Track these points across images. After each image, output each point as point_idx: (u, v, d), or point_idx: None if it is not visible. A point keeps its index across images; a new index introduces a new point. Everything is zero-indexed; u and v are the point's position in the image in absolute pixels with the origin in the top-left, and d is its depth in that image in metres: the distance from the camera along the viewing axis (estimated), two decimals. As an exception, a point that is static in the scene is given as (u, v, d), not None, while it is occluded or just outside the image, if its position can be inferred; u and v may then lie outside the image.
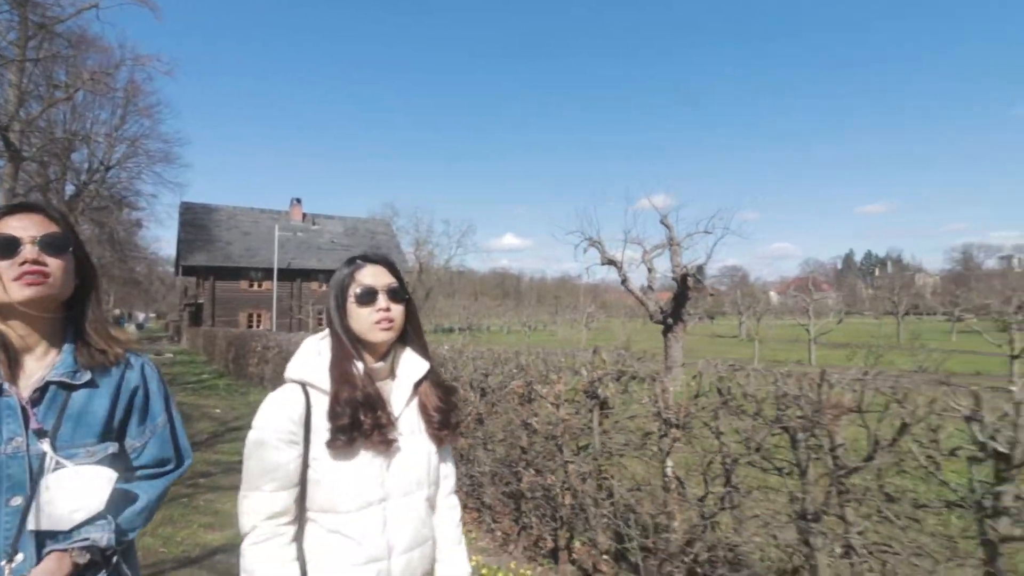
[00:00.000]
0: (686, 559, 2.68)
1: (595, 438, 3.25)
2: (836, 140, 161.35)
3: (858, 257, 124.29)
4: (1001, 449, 1.82)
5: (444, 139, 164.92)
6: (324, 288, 37.42)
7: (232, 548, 3.82)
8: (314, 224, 40.44)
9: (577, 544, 3.56)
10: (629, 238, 14.45)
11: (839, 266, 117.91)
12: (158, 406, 1.33)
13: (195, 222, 36.75)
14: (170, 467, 1.35)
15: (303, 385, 1.24)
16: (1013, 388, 1.86)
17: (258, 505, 1.17)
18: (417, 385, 1.36)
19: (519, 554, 3.72)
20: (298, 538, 1.21)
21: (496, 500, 4.04)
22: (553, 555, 3.56)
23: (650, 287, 14.04)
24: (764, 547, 2.51)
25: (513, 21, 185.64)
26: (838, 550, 2.21)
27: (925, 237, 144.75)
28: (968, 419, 1.88)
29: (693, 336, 40.91)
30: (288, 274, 35.94)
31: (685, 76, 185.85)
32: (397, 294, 1.31)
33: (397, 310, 1.31)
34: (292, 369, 1.27)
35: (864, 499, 2.21)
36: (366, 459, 1.22)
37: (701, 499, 2.75)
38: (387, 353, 1.33)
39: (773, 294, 68.35)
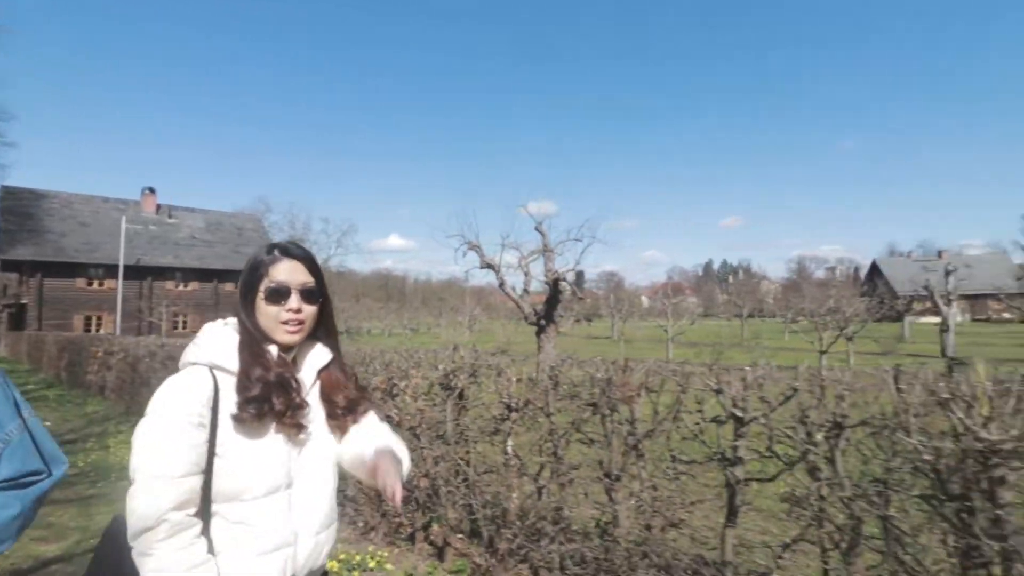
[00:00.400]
0: (523, 524, 3.09)
1: (448, 425, 3.57)
2: (702, 157, 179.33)
3: (716, 265, 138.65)
4: (738, 414, 2.41)
5: (325, 135, 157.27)
6: (181, 288, 34.18)
7: (69, 558, 3.61)
8: (170, 217, 36.67)
9: (435, 527, 3.85)
10: (507, 243, 15.13)
11: (700, 273, 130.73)
12: (5, 412, 1.19)
13: (19, 210, 31.67)
14: (41, 478, 1.22)
15: (210, 368, 1.18)
16: (747, 368, 2.47)
17: (163, 494, 1.05)
18: (320, 372, 1.32)
19: (379, 540, 3.93)
20: (204, 533, 1.12)
21: (358, 492, 4.21)
22: (411, 538, 3.83)
23: (526, 290, 14.81)
24: (581, 506, 2.99)
25: (398, 16, 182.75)
26: (633, 502, 2.73)
27: (770, 249, 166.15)
28: (716, 392, 2.47)
29: (571, 337, 43.22)
30: (137, 272, 32.24)
31: (571, 86, 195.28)
32: (312, 295, 1.26)
33: (309, 311, 1.26)
34: (195, 352, 1.21)
35: (654, 460, 2.76)
36: (275, 442, 1.18)
37: (537, 473, 3.18)
38: (291, 347, 1.30)
39: (644, 298, 73.98)
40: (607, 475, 2.77)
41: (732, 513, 2.44)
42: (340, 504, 4.41)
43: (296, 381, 1.24)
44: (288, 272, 1.24)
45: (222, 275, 35.36)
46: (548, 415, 3.05)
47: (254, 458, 1.15)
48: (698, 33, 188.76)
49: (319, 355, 1.33)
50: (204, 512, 1.12)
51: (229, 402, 1.15)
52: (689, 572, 2.54)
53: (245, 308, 1.25)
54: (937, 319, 30.38)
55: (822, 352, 19.00)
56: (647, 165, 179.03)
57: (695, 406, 2.63)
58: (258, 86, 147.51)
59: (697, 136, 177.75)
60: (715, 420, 2.56)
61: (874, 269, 64.17)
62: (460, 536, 3.71)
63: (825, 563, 2.21)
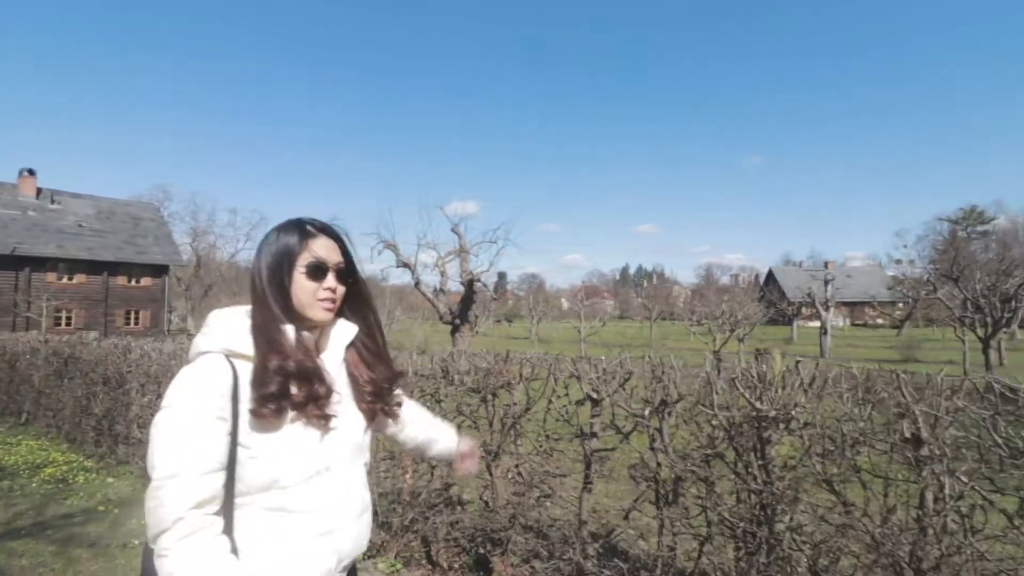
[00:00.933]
0: (415, 501, 3.39)
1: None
2: (622, 165, 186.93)
3: (632, 270, 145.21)
4: (593, 396, 2.85)
5: (235, 123, 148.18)
6: (65, 281, 31.12)
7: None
8: (53, 202, 33.20)
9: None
10: (424, 243, 15.31)
11: (618, 277, 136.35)
12: None
13: None
14: None
15: (226, 355, 1.12)
16: (602, 358, 2.93)
17: (183, 493, 1.00)
18: (347, 348, 1.29)
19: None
20: (227, 530, 1.06)
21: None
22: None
23: (441, 290, 15.04)
24: (470, 483, 3.34)
25: (307, 5, 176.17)
26: (510, 476, 3.11)
27: (682, 255, 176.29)
28: (576, 378, 2.90)
29: (490, 337, 43.79)
30: (12, 262, 28.96)
31: (501, 87, 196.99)
32: (343, 274, 1.26)
33: (341, 291, 1.26)
34: (210, 340, 1.14)
35: (530, 439, 3.16)
36: (303, 429, 1.13)
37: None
38: (320, 326, 1.27)
39: (563, 300, 76.20)
40: (488, 452, 3.14)
41: (588, 480, 2.88)
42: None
43: (318, 368, 1.19)
44: (326, 250, 1.23)
45: (113, 268, 32.51)
46: (439, 401, 3.37)
47: (284, 447, 1.10)
48: (621, 45, 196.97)
49: (344, 331, 1.28)
50: (228, 508, 1.06)
51: (248, 390, 1.09)
52: (552, 531, 2.96)
53: (275, 283, 1.18)
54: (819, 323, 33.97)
55: (715, 352, 20.72)
56: (571, 170, 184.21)
57: (563, 391, 3.06)
58: (159, 66, 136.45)
59: (617, 144, 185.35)
60: (578, 403, 3.00)
61: (770, 277, 69.87)
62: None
63: (659, 515, 2.69)
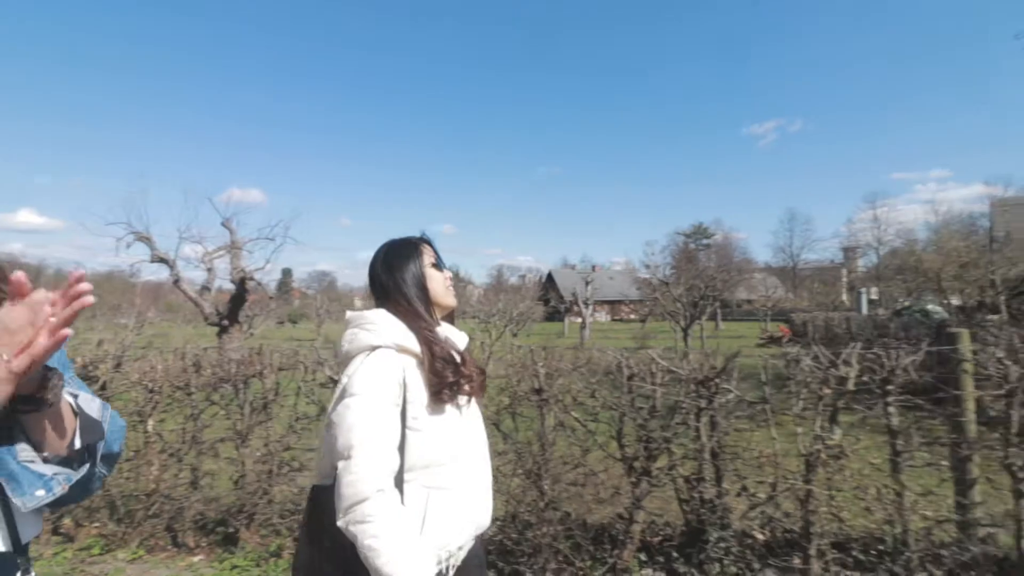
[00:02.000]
0: (160, 490, 3.56)
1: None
2: (418, 165, 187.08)
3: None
4: (335, 378, 3.44)
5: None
6: None
7: None
8: None
9: (66, 520, 3.89)
10: (186, 236, 13.90)
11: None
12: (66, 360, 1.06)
13: None
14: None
15: (397, 349, 1.27)
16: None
17: (379, 467, 1.15)
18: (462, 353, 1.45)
19: None
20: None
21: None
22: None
23: (206, 288, 13.86)
24: (220, 468, 3.62)
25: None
26: (259, 454, 3.52)
27: (476, 256, 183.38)
28: (321, 364, 3.45)
29: (269, 339, 40.62)
30: None
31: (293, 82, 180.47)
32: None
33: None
34: (377, 335, 1.28)
35: (282, 421, 3.61)
36: (454, 415, 1.32)
37: (180, 446, 3.68)
38: (451, 312, 1.50)
39: (357, 300, 73.96)
40: (238, 435, 3.49)
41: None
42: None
43: (464, 356, 1.40)
44: (431, 250, 1.48)
45: None
46: (189, 393, 3.59)
47: (443, 431, 1.28)
48: (430, 44, 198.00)
49: (460, 338, 1.46)
50: (398, 483, 1.21)
51: (413, 379, 1.27)
52: (301, 497, 3.47)
53: (415, 283, 1.40)
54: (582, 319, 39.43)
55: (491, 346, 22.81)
56: (374, 166, 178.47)
57: (311, 376, 3.58)
58: None
59: (413, 144, 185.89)
60: (323, 384, 3.56)
61: (550, 277, 77.82)
62: (97, 524, 3.88)
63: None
